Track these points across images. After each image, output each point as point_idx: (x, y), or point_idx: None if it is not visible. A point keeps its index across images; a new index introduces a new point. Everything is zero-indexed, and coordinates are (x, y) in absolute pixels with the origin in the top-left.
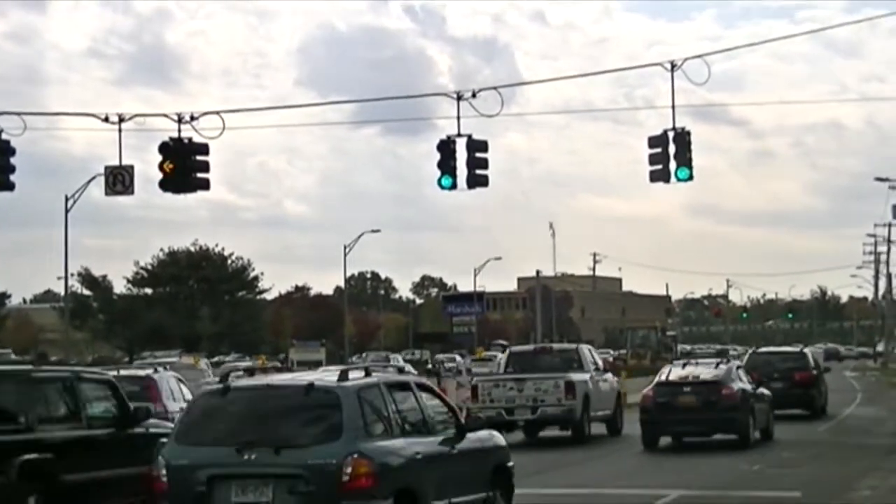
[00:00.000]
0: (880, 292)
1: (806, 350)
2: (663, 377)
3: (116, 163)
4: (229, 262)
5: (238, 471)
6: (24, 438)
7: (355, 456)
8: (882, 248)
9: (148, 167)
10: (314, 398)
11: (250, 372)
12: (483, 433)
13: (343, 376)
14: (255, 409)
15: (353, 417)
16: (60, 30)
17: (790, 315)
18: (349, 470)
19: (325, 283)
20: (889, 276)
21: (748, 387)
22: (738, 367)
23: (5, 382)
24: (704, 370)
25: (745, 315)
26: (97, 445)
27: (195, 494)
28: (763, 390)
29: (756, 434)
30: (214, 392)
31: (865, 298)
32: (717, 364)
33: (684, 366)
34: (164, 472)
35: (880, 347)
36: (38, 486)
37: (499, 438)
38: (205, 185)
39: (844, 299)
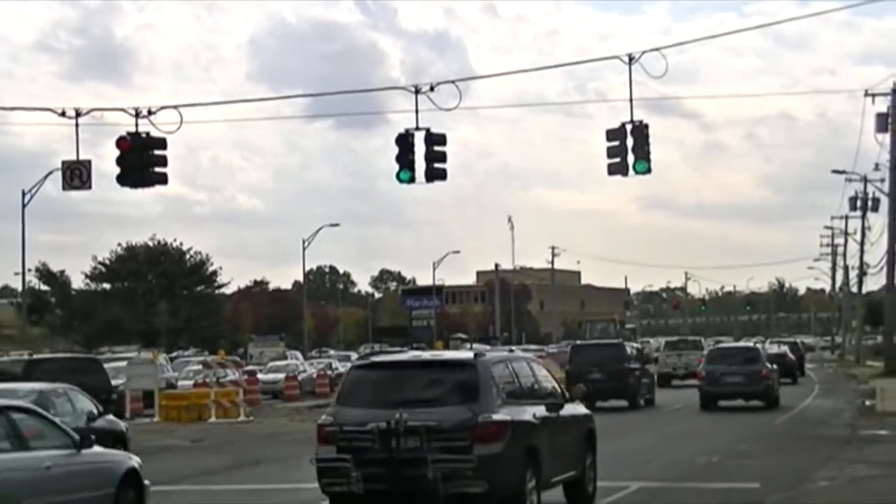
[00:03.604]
0: (837, 284)
1: (797, 340)
2: (770, 352)
3: (67, 157)
4: (187, 256)
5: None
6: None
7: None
8: (839, 241)
9: (101, 162)
10: (748, 351)
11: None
12: None
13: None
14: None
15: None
16: (7, 22)
17: (748, 307)
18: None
19: (283, 277)
20: (846, 269)
21: (793, 356)
22: (788, 347)
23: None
24: (779, 348)
25: (703, 308)
26: None
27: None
28: (795, 358)
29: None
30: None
31: (823, 290)
32: (780, 345)
33: (770, 345)
34: (702, 371)
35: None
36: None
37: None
38: (163, 179)
39: (802, 291)
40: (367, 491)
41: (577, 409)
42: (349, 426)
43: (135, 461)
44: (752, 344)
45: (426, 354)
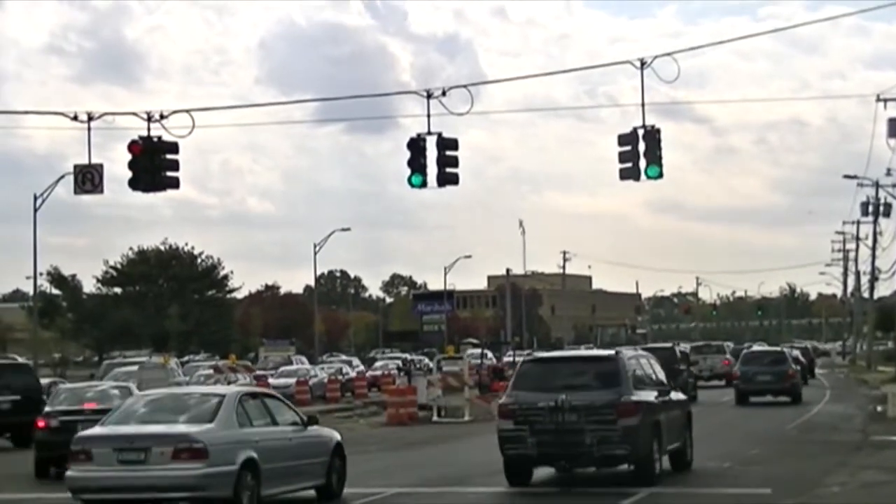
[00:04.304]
0: (849, 290)
1: (807, 345)
2: (793, 354)
3: (77, 160)
4: (199, 260)
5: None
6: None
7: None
8: (851, 246)
9: (112, 165)
10: (777, 354)
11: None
12: None
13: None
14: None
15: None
16: (17, 25)
17: (759, 312)
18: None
19: (294, 281)
20: (857, 274)
21: (804, 360)
22: (799, 351)
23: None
24: (794, 352)
25: (714, 313)
26: None
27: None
28: (806, 362)
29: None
30: (751, 352)
31: (834, 295)
32: (793, 349)
33: (790, 349)
34: (737, 371)
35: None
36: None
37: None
38: (174, 183)
39: (813, 296)
40: (540, 453)
41: (678, 395)
42: (525, 405)
43: (338, 436)
44: (779, 348)
45: (577, 352)
